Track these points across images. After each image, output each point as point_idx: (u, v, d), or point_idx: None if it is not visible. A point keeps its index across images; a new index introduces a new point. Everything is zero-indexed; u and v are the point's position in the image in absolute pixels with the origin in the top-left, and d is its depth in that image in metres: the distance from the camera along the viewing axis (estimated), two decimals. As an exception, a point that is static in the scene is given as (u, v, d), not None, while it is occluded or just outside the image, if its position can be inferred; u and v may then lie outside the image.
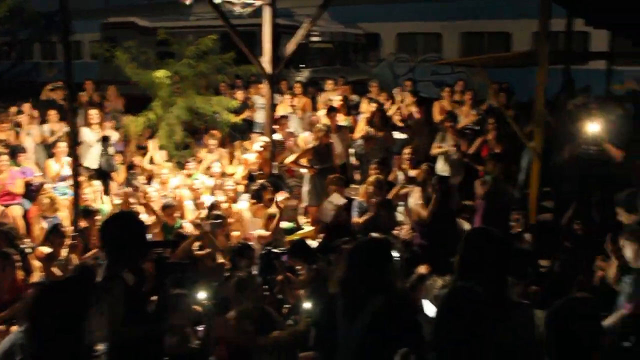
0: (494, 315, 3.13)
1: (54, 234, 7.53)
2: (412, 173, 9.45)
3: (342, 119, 12.03)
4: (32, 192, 9.97)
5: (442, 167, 10.36)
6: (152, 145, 11.73)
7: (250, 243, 8.85)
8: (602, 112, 10.11)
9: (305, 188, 10.02)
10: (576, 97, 12.83)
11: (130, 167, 11.73)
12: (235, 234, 8.64)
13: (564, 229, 8.40)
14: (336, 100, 12.97)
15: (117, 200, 9.63)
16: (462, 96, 13.31)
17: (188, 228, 8.55)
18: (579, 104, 12.33)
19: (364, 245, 4.09)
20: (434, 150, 10.60)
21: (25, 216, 9.57)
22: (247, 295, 5.49)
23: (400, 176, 9.68)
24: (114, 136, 11.56)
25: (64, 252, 7.36)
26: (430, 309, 4.01)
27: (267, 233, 8.30)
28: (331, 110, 11.33)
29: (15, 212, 9.46)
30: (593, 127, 9.31)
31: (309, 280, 6.60)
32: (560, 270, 8.02)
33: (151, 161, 11.63)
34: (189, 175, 10.46)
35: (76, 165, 8.37)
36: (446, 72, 18.16)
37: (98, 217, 8.49)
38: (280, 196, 8.88)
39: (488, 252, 3.59)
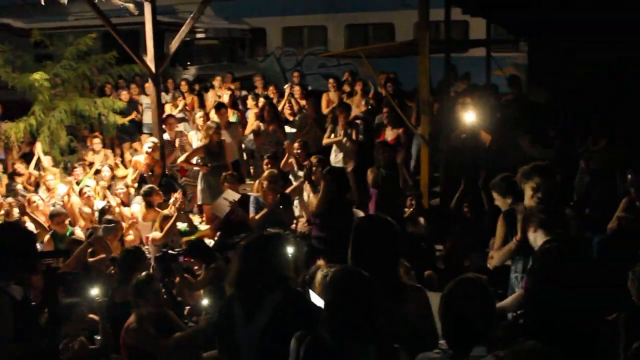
0: (386, 297, 3.22)
1: None
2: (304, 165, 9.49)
3: (231, 116, 11.96)
4: None
5: (335, 158, 10.50)
6: (38, 149, 11.29)
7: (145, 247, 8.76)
8: (475, 100, 10.68)
9: (199, 187, 9.91)
10: (456, 84, 13.40)
11: (12, 175, 11.21)
12: (129, 238, 8.45)
13: (454, 212, 8.72)
14: (224, 96, 12.88)
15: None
16: (350, 87, 13.56)
17: (80, 235, 8.27)
18: (460, 90, 12.88)
19: (257, 240, 4.01)
20: (325, 140, 10.72)
21: None
22: (146, 299, 5.39)
23: (296, 170, 9.72)
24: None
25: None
26: (317, 299, 4.08)
27: (160, 235, 8.13)
28: (220, 107, 11.24)
29: None
30: (467, 115, 9.81)
31: (207, 280, 6.57)
32: (451, 253, 8.34)
33: (36, 167, 11.20)
34: (78, 182, 10.12)
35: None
36: (333, 65, 18.49)
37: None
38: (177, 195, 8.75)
39: (378, 238, 3.68)
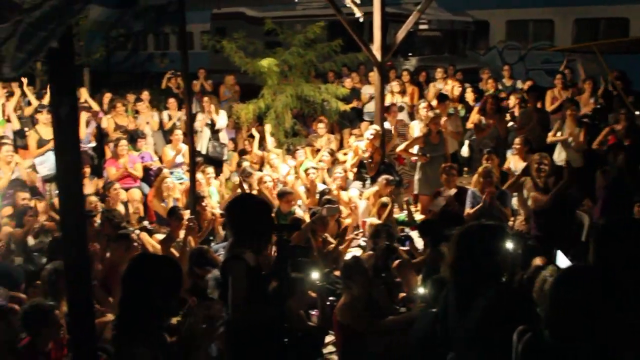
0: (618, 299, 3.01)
1: (173, 216, 7.75)
2: (524, 163, 9.17)
3: (454, 108, 11.83)
4: (150, 176, 10.37)
5: (558, 157, 10.03)
6: (266, 130, 11.94)
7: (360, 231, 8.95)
8: None
9: (416, 176, 9.92)
10: None
11: (242, 153, 11.98)
12: (347, 221, 8.66)
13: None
14: (449, 88, 12.77)
15: (231, 186, 9.87)
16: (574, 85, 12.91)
17: (300, 214, 8.63)
18: None
19: (474, 229, 3.83)
20: (551, 138, 10.26)
21: (144, 199, 9.94)
22: (355, 281, 5.49)
23: (515, 166, 9.42)
24: (224, 123, 11.83)
25: (181, 234, 7.58)
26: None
27: (378, 221, 8.25)
28: (442, 98, 11.15)
29: (135, 195, 9.84)
30: None
31: (427, 261, 6.48)
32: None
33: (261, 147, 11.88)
34: (300, 163, 10.57)
35: (192, 152, 8.58)
36: (559, 60, 17.56)
37: (206, 203, 8.77)
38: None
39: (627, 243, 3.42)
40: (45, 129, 10.25)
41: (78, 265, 3.55)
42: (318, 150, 11.41)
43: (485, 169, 8.25)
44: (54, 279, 5.21)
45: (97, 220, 7.90)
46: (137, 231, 7.67)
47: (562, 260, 3.99)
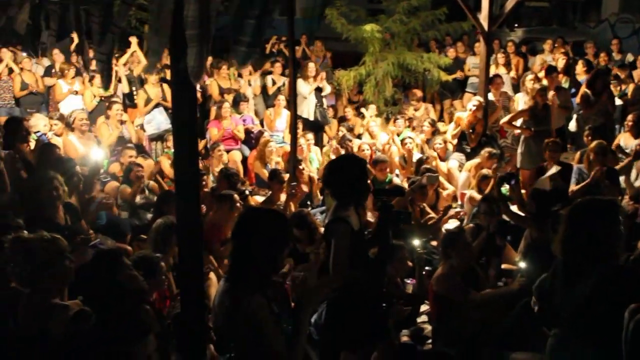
0: None
1: (274, 180, 7.86)
2: (635, 141, 8.78)
3: (563, 81, 11.42)
4: (251, 139, 10.57)
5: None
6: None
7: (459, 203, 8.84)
8: None
9: (519, 150, 9.67)
10: None
11: (342, 120, 12.02)
12: (447, 192, 8.56)
13: None
14: (558, 61, 12.30)
15: (329, 152, 9.93)
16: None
17: (397, 182, 8.60)
18: None
19: (588, 204, 3.74)
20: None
21: (244, 161, 10.14)
22: (456, 251, 5.44)
23: (626, 143, 9.02)
24: (327, 89, 11.88)
25: (281, 197, 7.69)
26: None
27: (477, 195, 8.08)
28: (551, 71, 10.78)
29: (235, 156, 10.05)
30: None
31: (528, 236, 6.32)
32: None
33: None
34: (398, 133, 10.51)
35: (294, 117, 8.66)
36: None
37: (303, 167, 8.87)
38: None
39: None
40: (153, 89, 10.59)
41: (190, 222, 3.64)
42: (410, 119, 11.31)
43: (599, 144, 7.96)
44: (165, 233, 5.38)
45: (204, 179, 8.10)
46: (247, 191, 7.79)
47: None
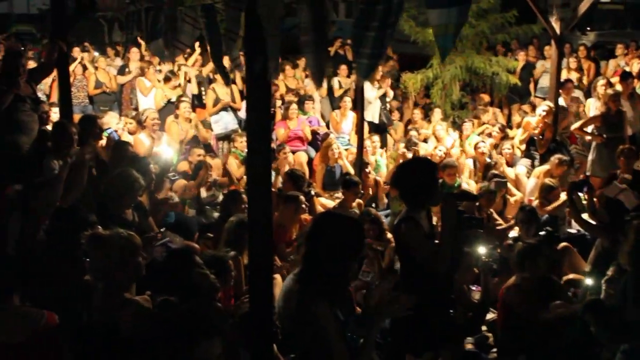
0: None
1: (350, 189, 7.80)
2: None
3: (638, 87, 11.09)
4: (317, 140, 10.60)
5: None
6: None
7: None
8: None
9: (590, 157, 9.44)
10: None
11: (408, 123, 11.95)
12: (514, 198, 8.41)
13: None
14: (634, 66, 11.94)
15: (395, 155, 9.89)
16: None
17: (466, 187, 8.49)
18: None
19: None
20: None
21: (310, 163, 10.18)
22: (534, 262, 5.29)
23: None
24: (391, 93, 11.83)
25: (353, 205, 7.71)
26: None
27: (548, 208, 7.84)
28: (626, 76, 10.48)
29: (301, 158, 10.10)
30: None
31: (599, 248, 6.15)
32: None
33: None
34: (466, 137, 10.38)
35: (361, 119, 8.65)
36: None
37: (369, 170, 8.86)
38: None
39: None
40: (221, 89, 10.73)
41: (262, 220, 3.67)
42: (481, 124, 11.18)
43: None
44: (238, 231, 5.44)
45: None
46: (313, 193, 7.82)
47: None
